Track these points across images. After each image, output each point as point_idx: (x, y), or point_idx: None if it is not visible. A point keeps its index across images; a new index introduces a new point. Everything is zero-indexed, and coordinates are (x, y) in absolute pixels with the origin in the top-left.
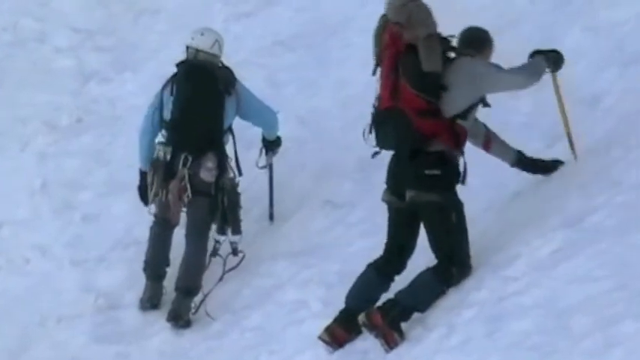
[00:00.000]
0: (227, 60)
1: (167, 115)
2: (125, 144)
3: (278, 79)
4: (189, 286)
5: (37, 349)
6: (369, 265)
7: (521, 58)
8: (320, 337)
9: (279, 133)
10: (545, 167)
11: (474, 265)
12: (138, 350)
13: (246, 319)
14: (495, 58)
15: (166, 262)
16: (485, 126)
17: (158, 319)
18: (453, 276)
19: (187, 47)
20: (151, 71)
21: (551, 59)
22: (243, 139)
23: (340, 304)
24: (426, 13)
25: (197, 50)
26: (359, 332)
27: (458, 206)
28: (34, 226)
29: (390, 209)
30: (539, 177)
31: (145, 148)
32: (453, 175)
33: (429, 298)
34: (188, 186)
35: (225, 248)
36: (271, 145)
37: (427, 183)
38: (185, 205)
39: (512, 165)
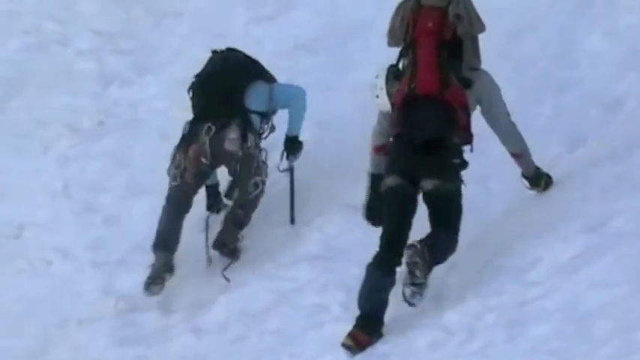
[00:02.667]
0: None
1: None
2: (146, 147)
3: (298, 82)
4: (238, 218)
5: (57, 351)
6: (370, 266)
7: (541, 62)
8: (343, 344)
9: (301, 138)
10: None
11: (496, 269)
12: (158, 353)
13: (266, 323)
14: (515, 61)
15: (177, 239)
16: None
17: (178, 323)
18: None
19: None
20: (173, 74)
21: (540, 177)
22: (265, 142)
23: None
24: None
25: None
26: (380, 335)
27: (461, 199)
28: (55, 229)
29: (393, 197)
30: (561, 181)
31: None
32: (463, 169)
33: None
34: (208, 150)
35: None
36: (292, 147)
37: (451, 172)
38: (202, 168)
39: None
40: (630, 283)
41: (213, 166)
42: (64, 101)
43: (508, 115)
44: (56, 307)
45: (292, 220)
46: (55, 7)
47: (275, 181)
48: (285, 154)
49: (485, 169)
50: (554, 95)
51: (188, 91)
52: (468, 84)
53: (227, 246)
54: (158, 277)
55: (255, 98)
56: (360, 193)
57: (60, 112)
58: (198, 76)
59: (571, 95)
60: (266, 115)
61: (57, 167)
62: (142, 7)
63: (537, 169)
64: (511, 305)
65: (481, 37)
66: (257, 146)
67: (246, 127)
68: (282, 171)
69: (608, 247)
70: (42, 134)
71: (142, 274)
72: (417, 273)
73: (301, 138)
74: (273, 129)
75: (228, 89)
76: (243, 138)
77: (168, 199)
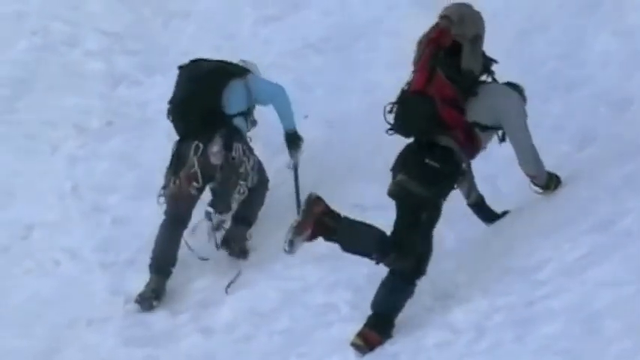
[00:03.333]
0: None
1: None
2: (155, 147)
3: (306, 82)
4: (245, 216)
5: (66, 351)
6: (389, 270)
7: (550, 63)
8: (353, 344)
9: (308, 136)
10: (493, 218)
11: (504, 269)
12: (167, 353)
13: (275, 322)
14: (524, 61)
15: (173, 262)
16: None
17: (187, 323)
18: (415, 272)
19: None
20: None
21: (550, 181)
22: (273, 143)
23: (369, 307)
24: (478, 16)
25: None
26: (389, 337)
27: (433, 209)
28: (64, 229)
29: (395, 203)
30: (569, 181)
31: None
32: (450, 177)
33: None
34: (198, 172)
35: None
36: (293, 142)
37: (421, 174)
38: (195, 191)
39: (469, 204)
40: (638, 282)
41: (206, 183)
42: (72, 101)
43: (530, 138)
44: (65, 308)
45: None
46: (63, 8)
47: (284, 181)
48: (288, 151)
49: (494, 169)
50: (563, 94)
51: (167, 117)
52: (468, 89)
53: (236, 244)
54: (146, 300)
55: (234, 101)
56: (368, 193)
57: (68, 113)
58: (171, 102)
59: (580, 94)
60: (249, 112)
61: (65, 167)
62: (150, 7)
63: (547, 173)
64: (519, 305)
65: (490, 37)
66: (245, 153)
67: (232, 137)
68: (290, 168)
69: (616, 247)
70: (50, 134)
71: None
72: (296, 223)
73: (309, 137)
74: (254, 123)
75: (205, 106)
76: (227, 148)
77: (167, 216)
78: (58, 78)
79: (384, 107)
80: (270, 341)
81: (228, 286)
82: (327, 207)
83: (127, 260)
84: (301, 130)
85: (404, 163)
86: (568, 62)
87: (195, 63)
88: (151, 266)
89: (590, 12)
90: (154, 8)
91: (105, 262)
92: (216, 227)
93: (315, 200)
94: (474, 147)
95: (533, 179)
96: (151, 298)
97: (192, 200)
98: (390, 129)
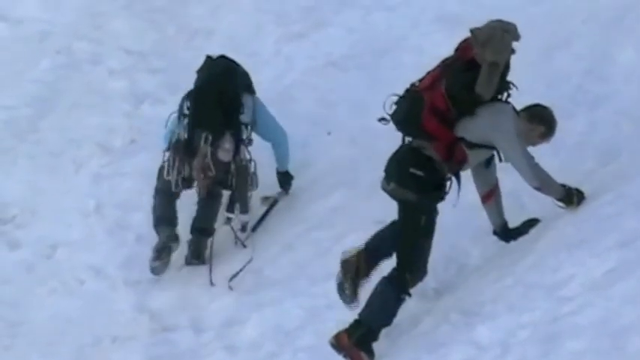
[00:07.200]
0: (279, 81)
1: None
2: None
3: (329, 99)
4: (206, 227)
5: None
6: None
7: (574, 78)
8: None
9: (331, 154)
10: (520, 233)
11: (529, 285)
12: None
13: (299, 340)
14: (548, 76)
15: (175, 216)
16: (497, 181)
17: (211, 341)
18: (407, 282)
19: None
20: None
21: (571, 196)
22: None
23: (393, 324)
24: (505, 42)
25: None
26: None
27: (430, 212)
28: (88, 247)
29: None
30: (594, 196)
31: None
32: (435, 184)
33: (390, 309)
34: (211, 163)
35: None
36: (285, 181)
37: (408, 181)
38: (208, 180)
39: (494, 231)
40: None
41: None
42: (96, 120)
43: (521, 149)
44: (90, 326)
45: (253, 229)
46: (86, 27)
47: (319, 195)
48: (281, 187)
49: (519, 184)
50: (587, 110)
51: (186, 98)
52: (466, 109)
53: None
54: (164, 250)
55: (246, 111)
56: (391, 210)
57: (92, 131)
58: (198, 85)
59: (604, 110)
60: (249, 126)
61: (89, 186)
62: (173, 25)
63: (566, 189)
64: (544, 321)
65: (515, 52)
66: (245, 157)
67: (239, 140)
68: (268, 198)
69: None
70: (74, 153)
71: (176, 291)
72: None
73: (333, 154)
74: (250, 142)
75: (226, 102)
76: (236, 149)
77: (161, 191)
78: (82, 97)
79: (386, 100)
80: (294, 359)
81: (234, 276)
82: (347, 335)
83: (151, 278)
84: (325, 147)
85: (393, 169)
86: (592, 78)
87: (226, 58)
88: (157, 222)
89: (614, 27)
90: (178, 26)
91: (129, 279)
92: (242, 229)
93: (339, 346)
94: (454, 160)
95: (541, 191)
96: (170, 241)
97: (207, 183)
98: (383, 118)
